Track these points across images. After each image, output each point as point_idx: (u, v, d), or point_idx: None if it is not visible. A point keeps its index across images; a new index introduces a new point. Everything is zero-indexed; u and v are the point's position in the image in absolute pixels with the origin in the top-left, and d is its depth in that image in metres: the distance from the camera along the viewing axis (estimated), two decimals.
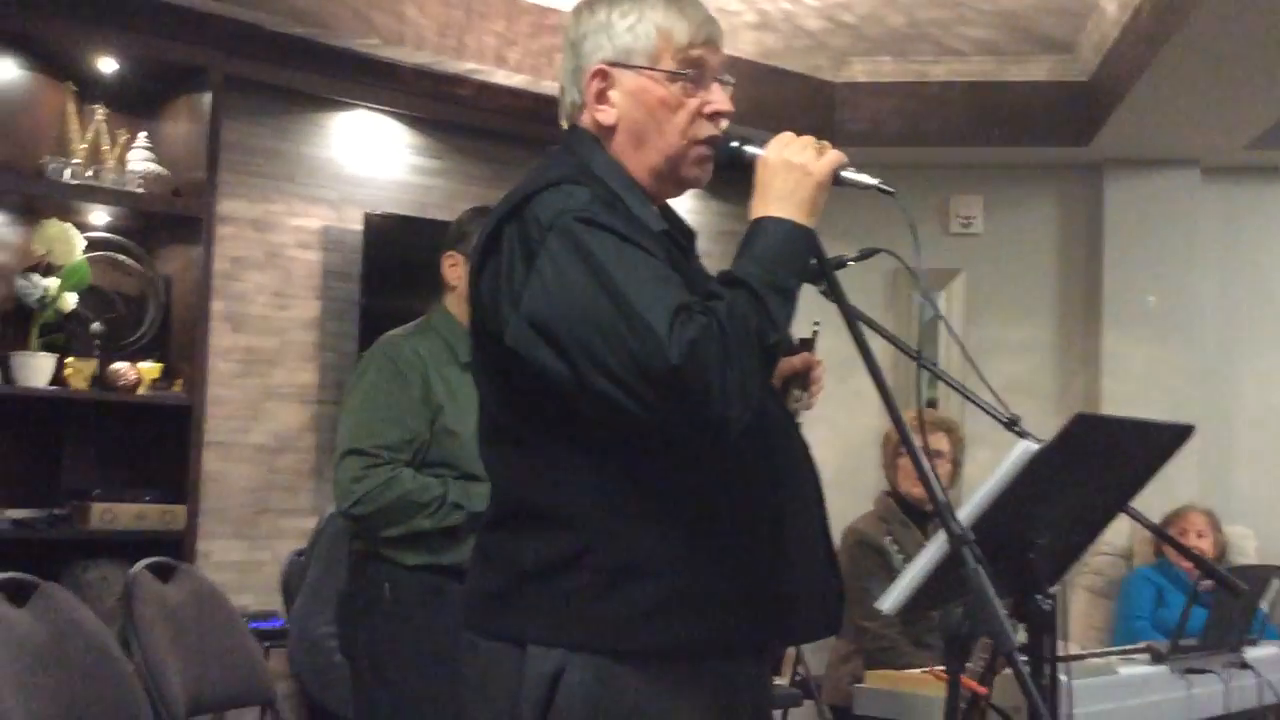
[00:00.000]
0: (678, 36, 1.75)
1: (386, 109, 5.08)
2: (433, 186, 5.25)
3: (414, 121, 5.19)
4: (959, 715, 2.23)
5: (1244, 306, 6.06)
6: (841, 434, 5.83)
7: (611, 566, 1.64)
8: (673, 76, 1.74)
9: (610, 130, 1.77)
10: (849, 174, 1.71)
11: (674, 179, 1.79)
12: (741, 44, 5.41)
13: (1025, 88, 5.78)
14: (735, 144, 1.76)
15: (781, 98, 5.64)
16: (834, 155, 1.70)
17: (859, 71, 5.84)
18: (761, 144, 1.73)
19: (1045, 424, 1.99)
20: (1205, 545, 4.80)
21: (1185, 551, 2.40)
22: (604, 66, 1.76)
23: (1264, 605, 3.99)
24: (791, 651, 4.60)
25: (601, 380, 1.55)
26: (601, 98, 1.77)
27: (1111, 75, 5.33)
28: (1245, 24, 4.29)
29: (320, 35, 4.56)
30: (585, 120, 1.80)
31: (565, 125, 1.84)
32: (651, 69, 1.75)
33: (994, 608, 1.55)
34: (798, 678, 4.61)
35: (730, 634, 1.68)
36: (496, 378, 1.72)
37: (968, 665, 2.62)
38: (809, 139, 1.72)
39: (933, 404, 5.62)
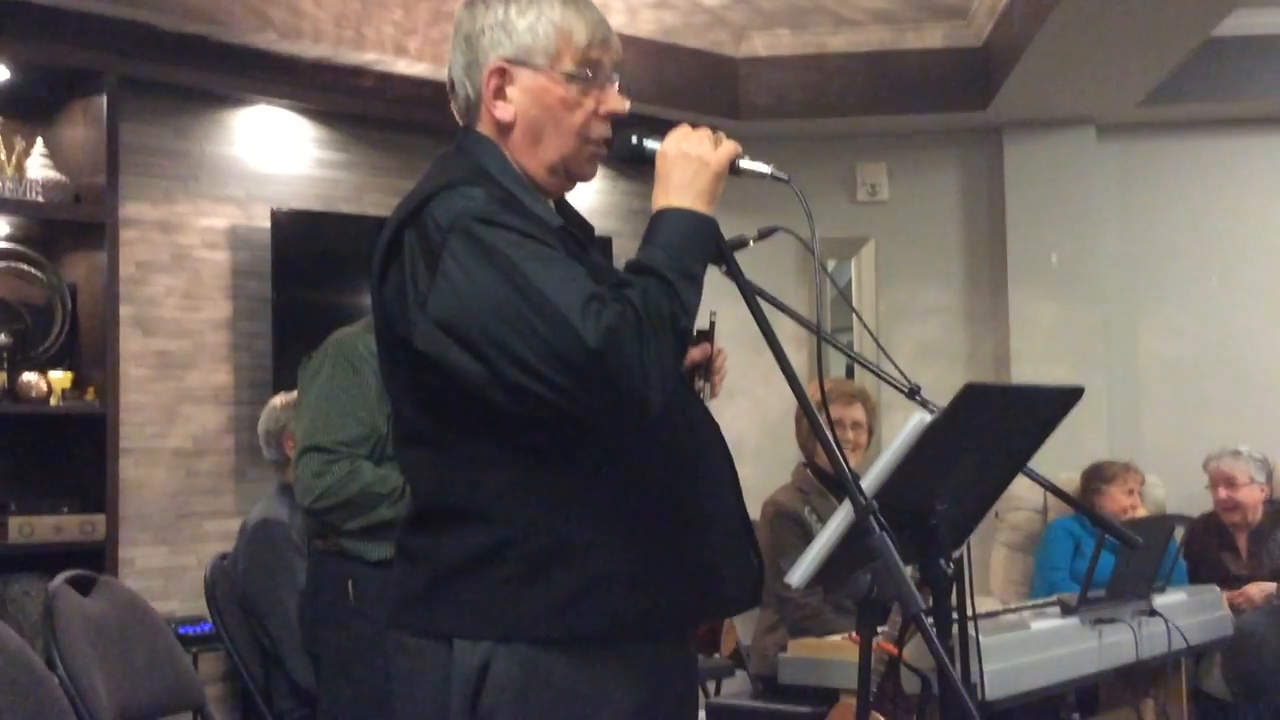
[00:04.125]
0: (577, 37, 1.77)
1: (288, 103, 5.04)
2: (339, 180, 5.22)
3: (317, 115, 5.15)
4: (875, 676, 2.30)
5: (1143, 260, 6.19)
6: (761, 406, 5.90)
7: (531, 557, 1.66)
8: (571, 77, 1.77)
9: (508, 127, 1.79)
10: (745, 163, 1.75)
11: (567, 175, 1.82)
12: (642, 24, 5.42)
13: (922, 55, 5.86)
14: (635, 139, 1.80)
15: (685, 75, 5.66)
16: (729, 145, 1.74)
17: (759, 45, 5.87)
18: (660, 135, 1.77)
19: (957, 384, 1.99)
20: (1135, 501, 4.92)
21: (1074, 503, 2.48)
22: (503, 64, 1.77)
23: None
24: (725, 624, 4.67)
25: (517, 373, 1.56)
26: (499, 94, 1.78)
27: (1005, 39, 5.42)
28: None
29: (215, 32, 4.51)
30: (482, 116, 1.81)
31: (460, 120, 1.85)
32: (551, 69, 1.77)
33: (899, 573, 1.60)
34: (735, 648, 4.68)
35: (652, 615, 1.71)
36: (406, 381, 1.73)
37: (883, 628, 2.69)
38: (705, 130, 1.76)
39: (850, 373, 5.69)
